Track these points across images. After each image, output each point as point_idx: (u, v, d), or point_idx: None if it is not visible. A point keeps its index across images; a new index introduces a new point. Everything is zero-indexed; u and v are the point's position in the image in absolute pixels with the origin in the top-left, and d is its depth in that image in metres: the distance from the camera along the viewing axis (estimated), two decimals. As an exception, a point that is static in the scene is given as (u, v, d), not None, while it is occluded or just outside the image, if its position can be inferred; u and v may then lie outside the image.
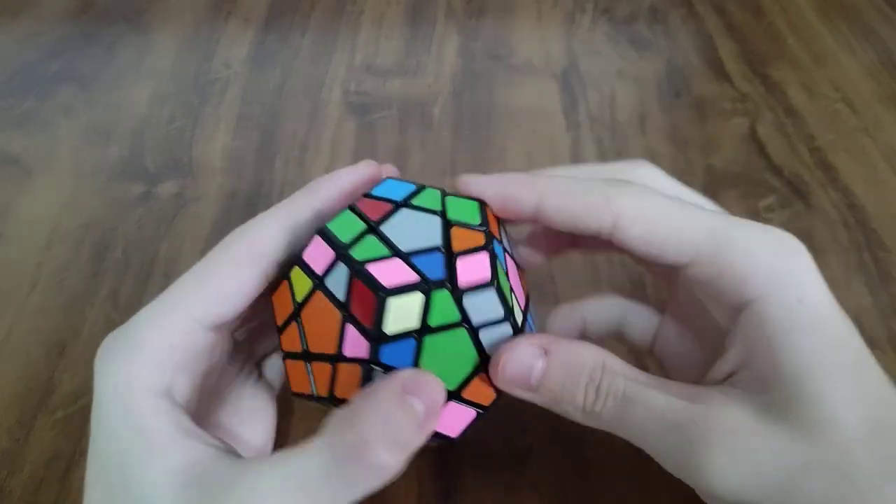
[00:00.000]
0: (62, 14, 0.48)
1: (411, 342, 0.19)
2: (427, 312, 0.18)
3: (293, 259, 0.20)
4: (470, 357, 0.19)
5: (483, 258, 0.19)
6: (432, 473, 0.25)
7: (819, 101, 0.40)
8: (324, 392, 0.20)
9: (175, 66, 0.44)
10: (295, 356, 0.20)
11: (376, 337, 0.18)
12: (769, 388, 0.18)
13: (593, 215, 0.20)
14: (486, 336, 0.19)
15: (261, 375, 0.24)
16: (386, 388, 0.17)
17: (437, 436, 0.20)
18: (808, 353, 0.18)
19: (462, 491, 0.25)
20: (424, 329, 0.19)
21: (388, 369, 0.19)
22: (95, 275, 0.32)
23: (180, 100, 0.42)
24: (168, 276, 0.32)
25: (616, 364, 0.19)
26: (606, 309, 0.25)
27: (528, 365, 0.19)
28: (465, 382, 0.20)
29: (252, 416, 0.23)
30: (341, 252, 0.19)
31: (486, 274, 0.19)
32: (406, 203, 0.20)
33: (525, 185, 0.21)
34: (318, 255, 0.19)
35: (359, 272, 0.18)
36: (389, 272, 0.18)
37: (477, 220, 0.20)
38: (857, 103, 0.40)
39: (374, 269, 0.18)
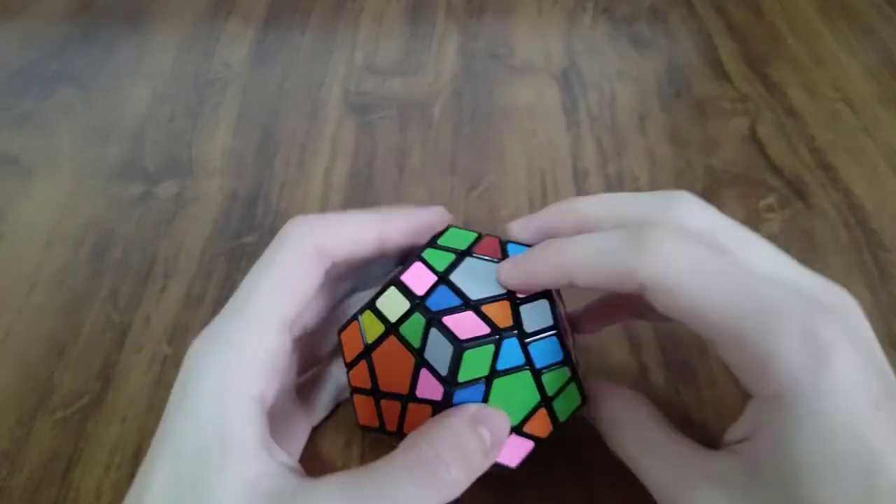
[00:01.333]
0: (61, 14, 0.48)
1: (481, 385, 0.20)
2: (496, 359, 0.20)
3: (366, 305, 0.22)
4: (532, 396, 0.21)
5: (544, 305, 0.21)
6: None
7: (819, 101, 0.40)
8: (392, 428, 0.22)
9: (175, 65, 0.44)
10: (364, 392, 0.22)
11: (451, 383, 0.20)
12: (760, 482, 0.18)
13: (620, 285, 0.19)
14: (547, 378, 0.21)
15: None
16: (458, 416, 0.19)
17: (497, 465, 0.21)
18: (803, 464, 0.17)
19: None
20: (493, 373, 0.20)
21: None
22: (95, 275, 0.32)
23: (180, 99, 0.42)
24: (168, 276, 0.32)
25: (635, 420, 0.21)
26: None
27: None
28: (527, 418, 0.21)
29: (291, 426, 0.24)
30: (416, 303, 0.20)
31: (549, 321, 0.21)
32: (469, 252, 0.22)
33: (550, 265, 0.20)
34: (393, 304, 0.21)
35: (436, 323, 0.20)
36: (463, 324, 0.20)
37: None
38: (858, 103, 0.40)
39: (450, 321, 0.20)
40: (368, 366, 0.22)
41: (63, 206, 0.36)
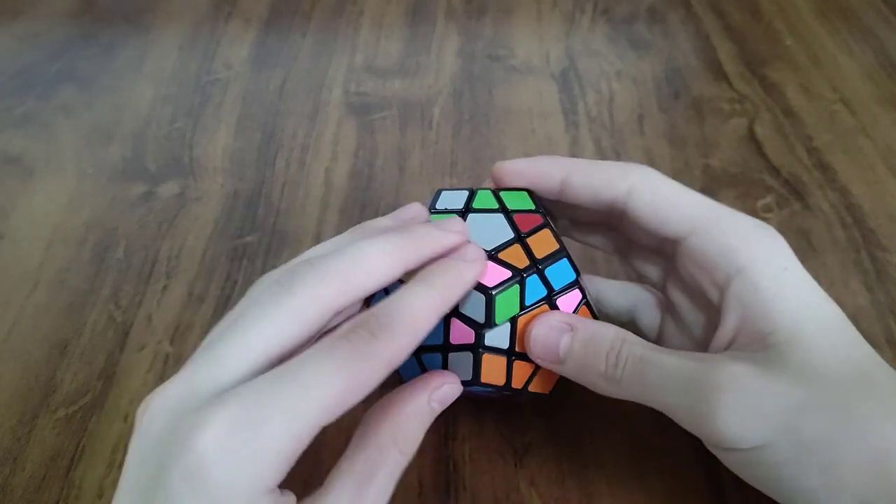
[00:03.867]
0: (63, 14, 0.48)
1: (507, 324, 0.22)
2: (523, 297, 0.22)
3: None
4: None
5: (547, 234, 0.23)
6: (432, 470, 0.25)
7: (817, 101, 0.40)
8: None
9: (176, 66, 0.44)
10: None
11: (489, 325, 0.21)
12: (766, 346, 0.20)
13: (611, 186, 0.23)
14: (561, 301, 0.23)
15: None
16: (415, 397, 0.20)
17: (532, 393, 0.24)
18: (798, 312, 0.20)
19: (461, 488, 0.25)
20: (522, 309, 0.22)
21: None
22: (97, 275, 0.33)
23: (181, 100, 0.42)
24: (170, 275, 0.32)
25: (634, 338, 0.22)
26: (622, 291, 0.27)
27: (556, 338, 0.22)
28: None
29: None
30: None
31: (556, 245, 0.22)
32: (469, 209, 0.24)
33: (553, 162, 0.24)
34: None
35: None
36: (488, 273, 0.21)
37: (531, 205, 0.24)
38: (855, 104, 0.40)
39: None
40: None
41: (65, 206, 0.36)
